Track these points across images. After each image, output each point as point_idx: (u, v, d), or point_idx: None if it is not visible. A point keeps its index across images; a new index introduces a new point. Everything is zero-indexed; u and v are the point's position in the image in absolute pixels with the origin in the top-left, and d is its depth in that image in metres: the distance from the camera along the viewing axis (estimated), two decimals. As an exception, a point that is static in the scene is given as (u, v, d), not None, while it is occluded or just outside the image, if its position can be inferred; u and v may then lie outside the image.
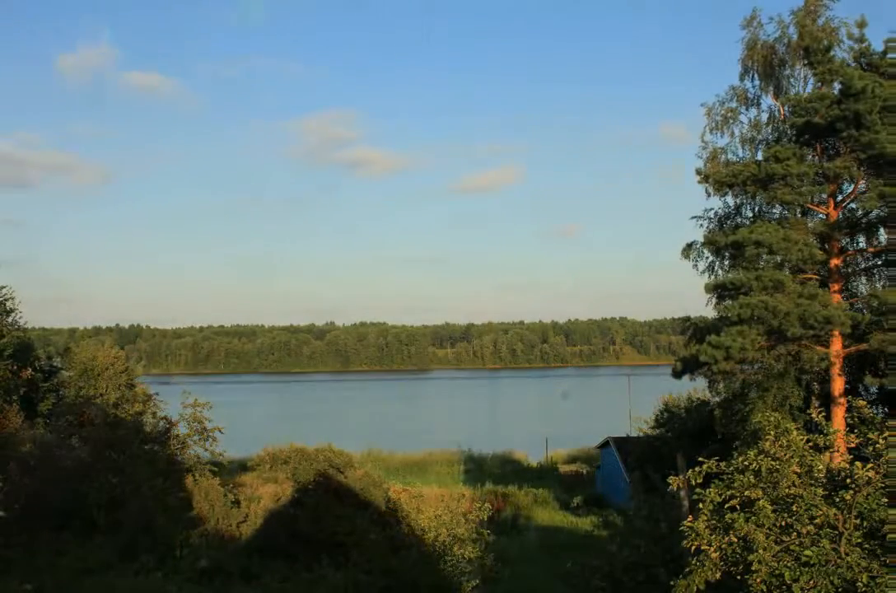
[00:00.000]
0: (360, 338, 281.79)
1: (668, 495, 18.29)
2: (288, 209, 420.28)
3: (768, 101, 34.21)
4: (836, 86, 29.75)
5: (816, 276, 30.85)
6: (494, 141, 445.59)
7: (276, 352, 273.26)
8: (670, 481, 14.74)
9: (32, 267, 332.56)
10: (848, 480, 12.26)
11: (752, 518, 11.95)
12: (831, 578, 11.46)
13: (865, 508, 11.93)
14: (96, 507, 26.21)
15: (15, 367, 31.33)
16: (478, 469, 57.60)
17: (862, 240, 33.08)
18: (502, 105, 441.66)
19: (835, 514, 11.90)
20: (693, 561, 12.56)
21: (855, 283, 33.66)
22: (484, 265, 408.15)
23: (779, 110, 33.85)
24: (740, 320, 29.03)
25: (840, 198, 30.99)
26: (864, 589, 11.27)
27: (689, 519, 12.87)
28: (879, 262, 32.22)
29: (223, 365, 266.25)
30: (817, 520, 11.89)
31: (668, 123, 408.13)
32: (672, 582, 13.10)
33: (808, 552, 11.50)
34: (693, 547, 12.54)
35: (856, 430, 13.35)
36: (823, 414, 14.15)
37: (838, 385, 29.27)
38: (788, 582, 11.56)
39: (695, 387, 40.70)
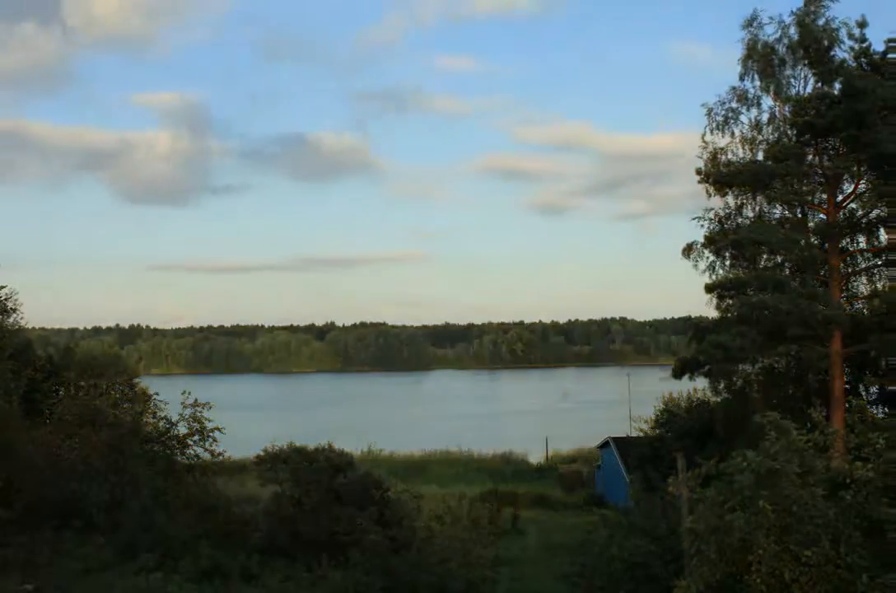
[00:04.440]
0: (359, 338, 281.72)
1: (668, 495, 18.29)
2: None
3: (768, 101, 34.19)
4: (837, 86, 29.77)
5: (817, 276, 30.86)
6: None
7: (276, 352, 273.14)
8: (670, 481, 14.75)
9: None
10: (848, 480, 12.27)
11: (752, 518, 11.95)
12: (831, 578, 11.47)
13: (865, 508, 11.93)
14: (96, 507, 26.19)
15: (15, 367, 31.29)
16: (478, 469, 57.58)
17: (862, 240, 33.07)
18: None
19: (835, 514, 11.90)
20: (693, 561, 12.57)
21: (855, 283, 33.63)
22: (484, 265, 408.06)
23: (779, 110, 33.83)
24: (740, 320, 29.04)
25: (840, 198, 30.99)
26: (864, 588, 11.27)
27: (689, 519, 12.87)
28: (879, 262, 32.21)
29: (223, 365, 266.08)
30: (817, 520, 11.89)
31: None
32: (672, 583, 13.11)
33: (807, 552, 11.50)
34: (693, 548, 12.55)
35: (856, 430, 13.36)
36: (823, 414, 14.16)
37: (838, 385, 29.26)
38: (788, 582, 11.57)
39: (695, 387, 40.69)
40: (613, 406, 76.22)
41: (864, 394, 31.77)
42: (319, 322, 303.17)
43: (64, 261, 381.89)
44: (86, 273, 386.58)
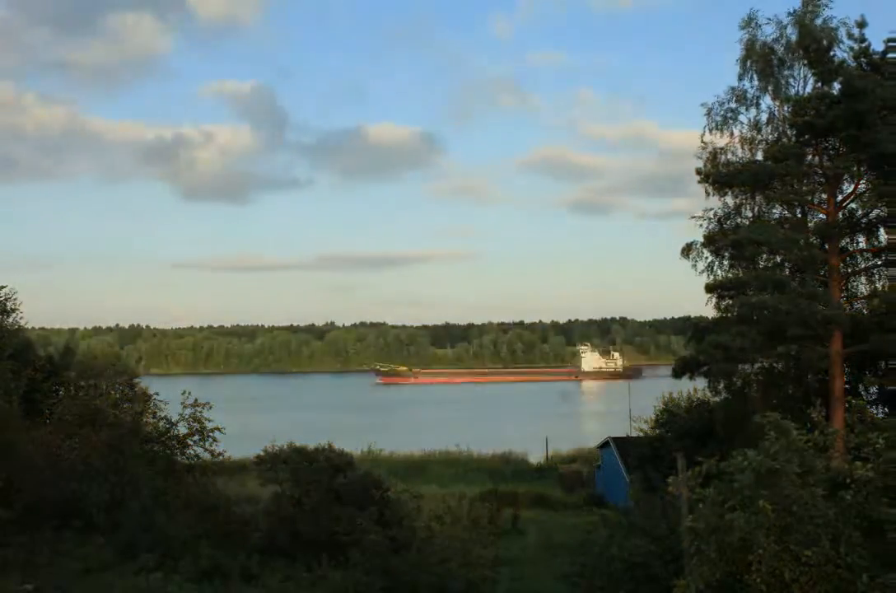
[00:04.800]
0: (360, 338, 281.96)
1: (668, 495, 18.29)
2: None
3: (768, 101, 34.22)
4: (836, 86, 29.76)
5: (817, 276, 30.85)
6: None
7: (276, 352, 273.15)
8: (670, 481, 14.76)
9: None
10: (848, 480, 12.27)
11: (752, 518, 11.95)
12: (831, 578, 11.47)
13: (865, 508, 11.93)
14: (96, 507, 26.19)
15: (15, 367, 31.29)
16: (478, 469, 57.59)
17: (862, 241, 33.09)
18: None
19: (835, 514, 11.90)
20: (693, 561, 12.57)
21: (855, 283, 33.63)
22: (485, 265, 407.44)
23: (778, 110, 33.84)
24: (740, 320, 29.05)
25: (840, 198, 30.98)
26: (864, 588, 11.28)
27: (689, 519, 12.87)
28: (879, 262, 32.21)
29: (223, 365, 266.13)
30: (817, 520, 11.89)
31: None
32: (672, 582, 13.11)
33: (807, 552, 11.50)
34: (693, 547, 12.55)
35: (855, 430, 13.36)
36: (823, 414, 14.16)
37: (838, 385, 29.25)
38: (788, 581, 11.57)
39: (695, 387, 40.69)
40: (613, 406, 76.23)
41: (864, 393, 31.76)
42: (319, 322, 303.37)
43: (87, 259, 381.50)
44: (100, 271, 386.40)
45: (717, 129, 34.41)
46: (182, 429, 31.13)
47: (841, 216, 31.20)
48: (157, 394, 33.14)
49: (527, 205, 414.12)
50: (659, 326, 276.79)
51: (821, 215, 31.57)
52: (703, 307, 33.61)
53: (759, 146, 33.83)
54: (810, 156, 30.71)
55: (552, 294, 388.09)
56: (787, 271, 32.08)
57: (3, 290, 33.03)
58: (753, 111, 34.37)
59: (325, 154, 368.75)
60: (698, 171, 32.59)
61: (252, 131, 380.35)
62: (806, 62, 32.20)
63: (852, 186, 30.94)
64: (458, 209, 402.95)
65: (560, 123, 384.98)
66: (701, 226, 34.42)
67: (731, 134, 34.44)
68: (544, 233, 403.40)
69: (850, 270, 32.80)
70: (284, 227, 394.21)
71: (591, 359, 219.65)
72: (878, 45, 30.21)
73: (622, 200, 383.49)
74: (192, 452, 30.95)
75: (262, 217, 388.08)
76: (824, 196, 30.89)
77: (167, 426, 31.54)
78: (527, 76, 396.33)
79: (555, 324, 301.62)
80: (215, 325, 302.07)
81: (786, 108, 32.98)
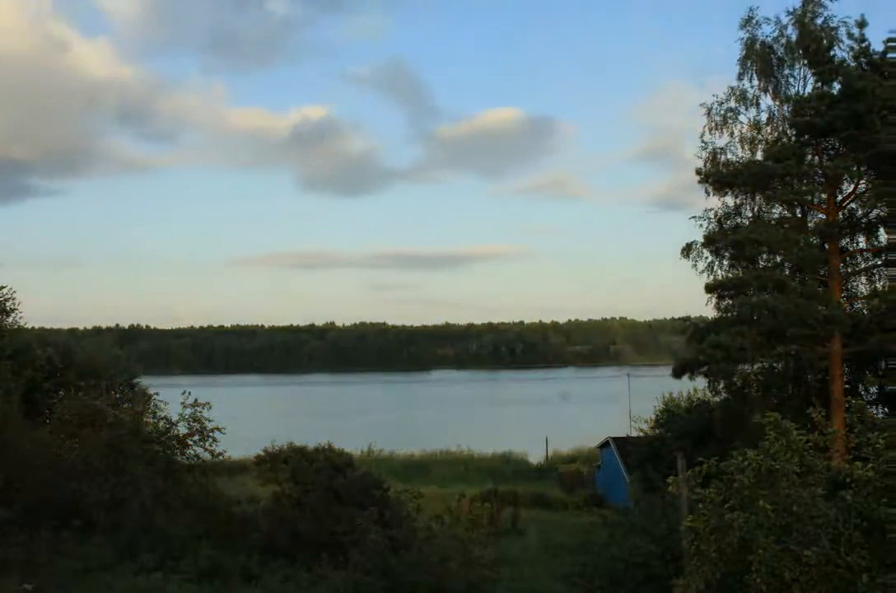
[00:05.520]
0: (360, 338, 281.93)
1: (668, 495, 18.30)
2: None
3: (767, 101, 34.24)
4: (836, 86, 29.77)
5: (817, 276, 30.85)
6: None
7: (276, 352, 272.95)
8: (670, 481, 14.76)
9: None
10: (848, 480, 12.26)
11: (752, 518, 11.96)
12: (831, 578, 11.46)
13: (865, 508, 11.92)
14: (96, 507, 26.19)
15: (15, 367, 31.27)
16: (478, 469, 57.63)
17: (862, 241, 33.08)
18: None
19: (835, 514, 11.89)
20: (693, 561, 12.57)
21: (855, 283, 33.64)
22: (485, 265, 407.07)
23: (778, 110, 33.86)
24: (740, 320, 29.06)
25: (840, 198, 30.98)
26: (864, 589, 11.27)
27: (689, 519, 12.87)
28: (879, 262, 32.21)
29: (223, 365, 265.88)
30: (818, 520, 11.89)
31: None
32: (672, 582, 13.12)
33: (807, 552, 11.49)
34: (693, 547, 12.55)
35: (856, 430, 13.36)
36: (823, 414, 14.14)
37: (838, 385, 29.26)
38: (788, 582, 11.57)
39: (695, 387, 40.72)
40: (613, 406, 76.18)
41: (864, 393, 31.77)
42: (319, 322, 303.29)
43: (119, 256, 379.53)
44: (122, 270, 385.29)
45: (716, 128, 34.45)
46: (182, 429, 31.11)
47: (841, 216, 31.20)
48: (157, 393, 33.16)
49: (606, 201, 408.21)
50: (659, 326, 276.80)
51: (821, 215, 31.57)
52: (703, 307, 33.69)
53: (759, 146, 33.84)
54: (810, 156, 30.71)
55: (553, 294, 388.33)
56: (787, 271, 32.10)
57: (3, 290, 33.03)
58: (753, 111, 34.41)
59: (445, 143, 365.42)
60: (698, 172, 32.60)
61: (373, 119, 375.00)
62: (806, 62, 32.21)
63: (852, 186, 30.94)
64: (538, 204, 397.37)
65: (688, 112, 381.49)
66: (701, 226, 34.46)
67: (731, 134, 34.48)
68: (601, 231, 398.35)
69: (850, 270, 32.79)
70: (373, 221, 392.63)
71: None
72: (878, 45, 30.25)
73: (699, 197, 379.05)
74: (192, 452, 30.93)
75: (367, 209, 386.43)
76: (824, 196, 30.88)
77: (167, 426, 31.53)
78: (685, 64, 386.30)
79: (555, 324, 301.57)
80: (215, 325, 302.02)
81: (786, 108, 33.00)
